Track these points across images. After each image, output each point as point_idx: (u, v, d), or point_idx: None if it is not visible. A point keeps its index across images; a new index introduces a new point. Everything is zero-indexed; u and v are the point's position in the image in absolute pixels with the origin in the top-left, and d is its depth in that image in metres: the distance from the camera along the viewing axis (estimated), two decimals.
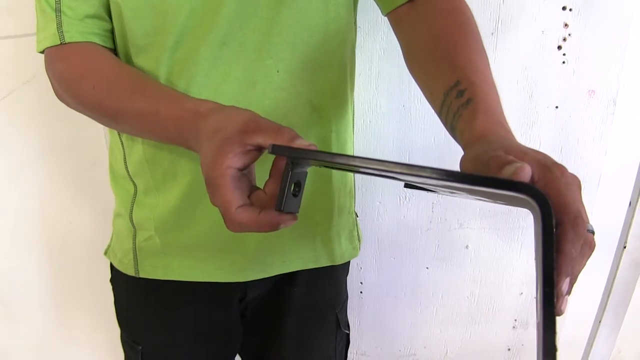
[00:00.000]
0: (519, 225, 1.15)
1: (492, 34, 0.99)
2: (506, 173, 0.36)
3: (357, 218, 0.89)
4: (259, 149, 0.48)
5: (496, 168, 0.37)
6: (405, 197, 1.14)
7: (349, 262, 0.90)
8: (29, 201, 1.14)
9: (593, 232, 0.38)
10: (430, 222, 1.16)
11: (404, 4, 0.66)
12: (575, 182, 0.38)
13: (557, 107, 1.05)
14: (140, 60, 0.66)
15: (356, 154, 0.91)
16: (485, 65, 0.58)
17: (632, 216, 0.88)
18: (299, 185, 0.46)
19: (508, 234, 1.16)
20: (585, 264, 0.37)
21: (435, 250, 1.19)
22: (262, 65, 0.65)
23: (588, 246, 0.37)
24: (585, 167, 1.09)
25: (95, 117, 0.67)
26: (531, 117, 1.06)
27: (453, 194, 0.50)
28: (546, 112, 1.05)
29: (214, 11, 0.62)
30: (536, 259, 0.35)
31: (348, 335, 0.94)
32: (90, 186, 1.13)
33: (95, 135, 1.08)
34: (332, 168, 0.57)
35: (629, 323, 0.94)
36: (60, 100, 0.70)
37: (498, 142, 0.44)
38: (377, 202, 1.14)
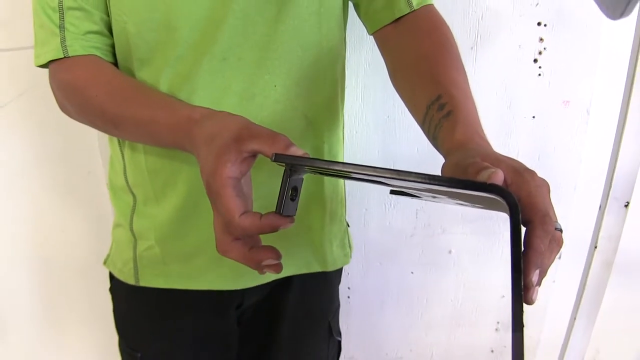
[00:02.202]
0: (499, 230, 1.17)
1: (472, 48, 1.02)
2: (482, 177, 0.40)
3: (348, 228, 0.91)
4: (254, 155, 0.50)
5: (474, 173, 0.41)
6: (391, 205, 1.16)
7: (341, 270, 0.92)
8: (22, 210, 1.14)
9: (561, 230, 0.41)
10: (415, 228, 1.17)
11: (388, 24, 0.70)
12: (545, 185, 0.42)
13: (533, 117, 1.07)
14: (142, 73, 0.68)
15: None
16: (464, 82, 0.61)
17: (602, 219, 0.93)
18: (296, 190, 0.49)
19: (489, 238, 1.18)
20: (554, 259, 0.40)
21: (419, 255, 1.20)
22: (260, 79, 0.68)
23: (556, 242, 0.40)
24: (562, 174, 1.11)
25: (99, 124, 0.68)
26: (509, 127, 1.08)
27: (435, 199, 0.53)
28: (523, 122, 1.08)
29: (216, 27, 0.64)
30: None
31: (340, 342, 0.95)
32: (84, 195, 1.14)
33: (90, 146, 1.08)
34: (327, 175, 0.59)
35: (603, 318, 0.99)
36: (63, 111, 0.71)
37: (476, 150, 0.48)
38: (363, 210, 1.16)
